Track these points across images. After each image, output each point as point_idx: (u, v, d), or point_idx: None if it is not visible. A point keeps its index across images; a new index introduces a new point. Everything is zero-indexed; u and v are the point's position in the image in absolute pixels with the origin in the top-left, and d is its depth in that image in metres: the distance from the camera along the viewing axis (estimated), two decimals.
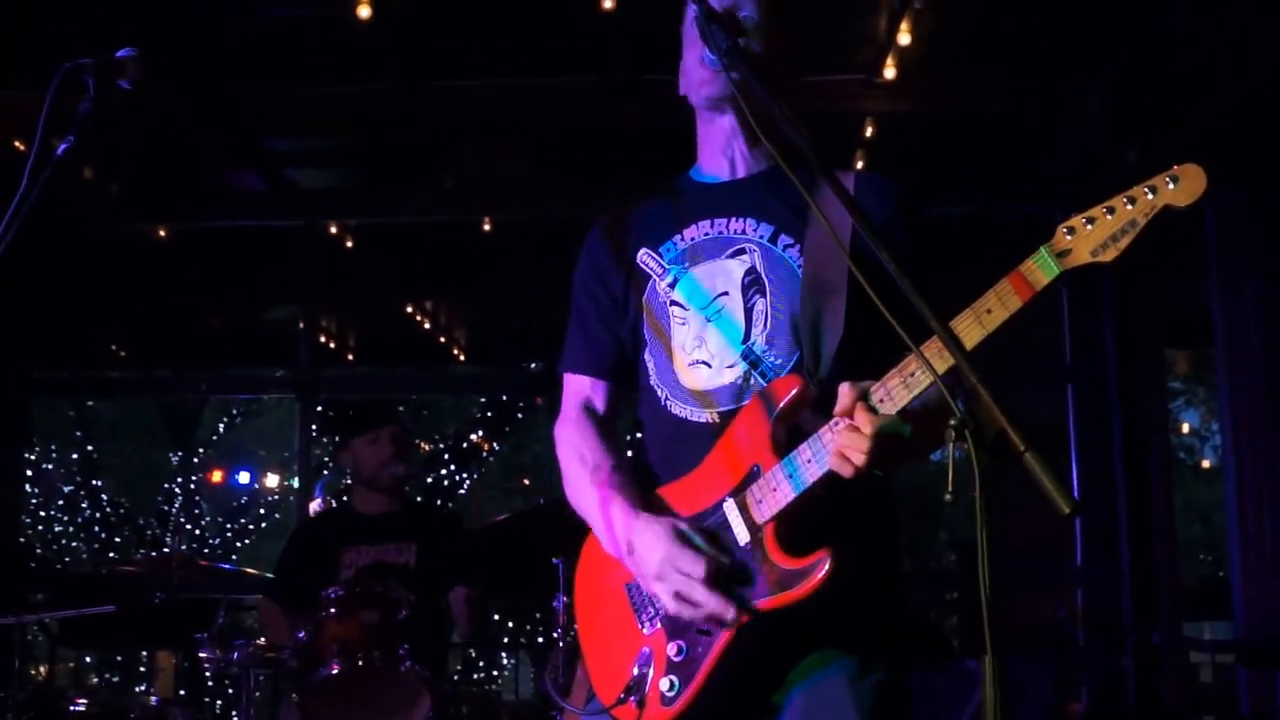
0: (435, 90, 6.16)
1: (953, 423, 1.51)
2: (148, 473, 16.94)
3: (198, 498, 16.20)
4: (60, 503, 15.31)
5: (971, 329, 1.80)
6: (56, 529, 15.31)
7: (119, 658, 12.75)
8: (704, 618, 2.00)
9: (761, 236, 2.21)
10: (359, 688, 4.00)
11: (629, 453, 2.29)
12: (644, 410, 2.29)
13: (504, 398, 13.29)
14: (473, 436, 13.67)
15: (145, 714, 4.38)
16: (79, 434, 15.43)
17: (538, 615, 12.39)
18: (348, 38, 5.60)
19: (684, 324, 2.22)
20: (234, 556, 15.41)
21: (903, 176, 2.32)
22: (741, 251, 2.21)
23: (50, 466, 15.22)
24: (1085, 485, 6.00)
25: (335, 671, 3.90)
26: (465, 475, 13.66)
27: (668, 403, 2.22)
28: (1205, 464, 19.07)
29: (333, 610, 3.99)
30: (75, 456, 15.34)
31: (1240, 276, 5.54)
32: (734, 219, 2.24)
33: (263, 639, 4.43)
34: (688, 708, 2.04)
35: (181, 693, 10.86)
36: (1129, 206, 1.75)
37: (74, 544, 15.27)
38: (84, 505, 15.16)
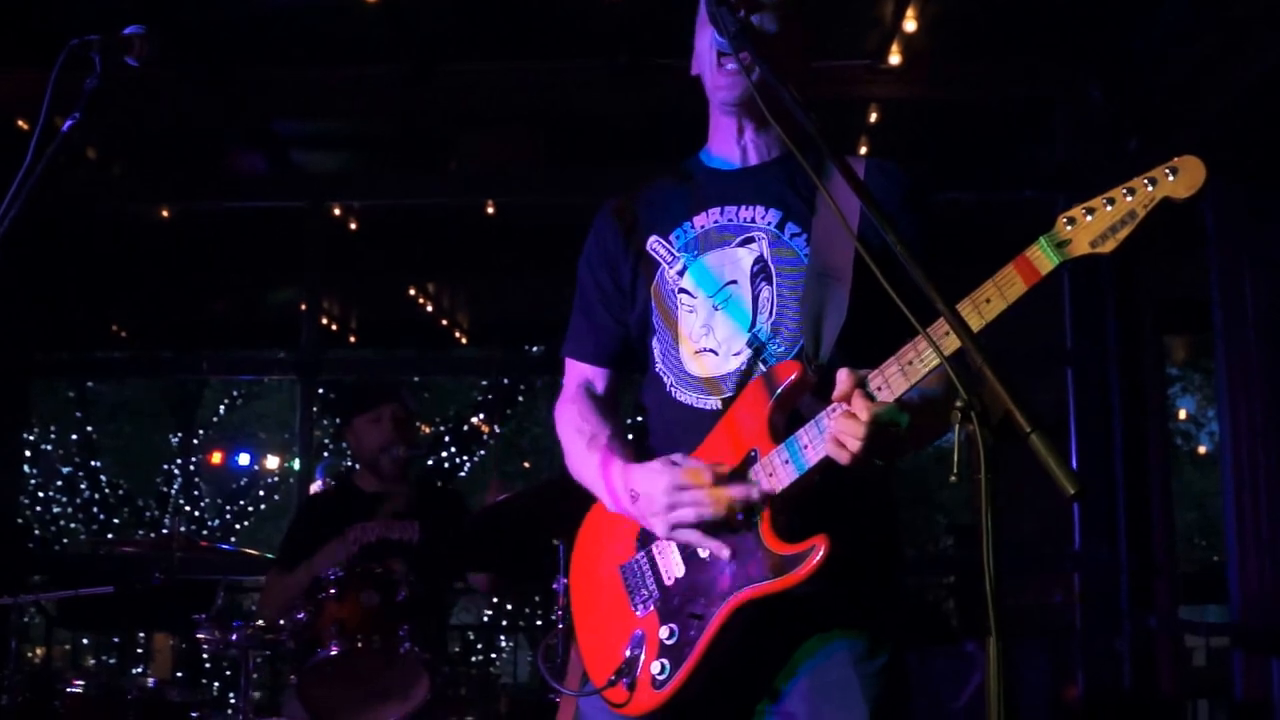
0: (441, 75, 6.14)
1: (959, 403, 1.52)
2: (147, 454, 16.89)
3: (197, 479, 16.20)
4: (59, 484, 15.31)
5: (970, 317, 1.80)
6: (55, 510, 15.29)
7: (116, 639, 12.74)
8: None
9: (770, 224, 2.21)
10: (358, 669, 4.00)
11: (629, 436, 2.30)
12: (648, 396, 2.29)
13: (505, 381, 13.30)
14: (473, 419, 13.69)
15: (143, 695, 4.35)
16: (79, 415, 15.42)
17: (537, 598, 12.40)
18: (354, 21, 5.59)
19: (692, 311, 2.22)
20: (233, 538, 15.38)
21: (912, 164, 2.32)
22: (750, 239, 2.21)
23: (49, 448, 15.20)
24: (1084, 469, 6.00)
25: (334, 653, 3.90)
26: (466, 458, 13.69)
27: (673, 389, 2.22)
28: (1201, 450, 19.11)
29: (332, 591, 3.98)
30: (75, 438, 15.32)
31: (1239, 263, 5.54)
32: (744, 206, 2.24)
33: (260, 620, 4.37)
34: (678, 691, 2.04)
35: (179, 674, 10.90)
36: (1128, 198, 1.75)
37: (72, 525, 15.25)
38: (83, 486, 15.16)
